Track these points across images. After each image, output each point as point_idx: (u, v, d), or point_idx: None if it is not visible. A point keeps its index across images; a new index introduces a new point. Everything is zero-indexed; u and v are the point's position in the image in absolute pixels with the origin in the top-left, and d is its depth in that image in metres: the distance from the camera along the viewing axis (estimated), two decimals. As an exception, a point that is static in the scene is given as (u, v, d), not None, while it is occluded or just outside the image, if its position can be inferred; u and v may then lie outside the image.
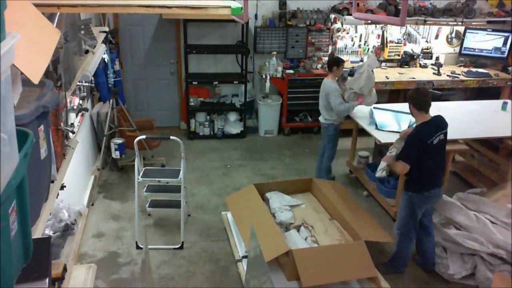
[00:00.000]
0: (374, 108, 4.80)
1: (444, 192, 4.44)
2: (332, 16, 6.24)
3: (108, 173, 5.19)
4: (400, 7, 5.36)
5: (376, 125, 4.47)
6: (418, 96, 3.32)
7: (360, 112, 4.77)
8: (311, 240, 3.67)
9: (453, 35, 6.79)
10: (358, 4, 5.23)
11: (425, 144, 3.24)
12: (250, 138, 6.44)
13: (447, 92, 6.33)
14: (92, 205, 4.52)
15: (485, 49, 6.49)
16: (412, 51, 6.69)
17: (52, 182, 2.01)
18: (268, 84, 6.12)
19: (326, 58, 6.45)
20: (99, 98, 5.39)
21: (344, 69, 6.03)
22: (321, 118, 4.80)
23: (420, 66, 6.69)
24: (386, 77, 6.18)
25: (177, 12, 1.93)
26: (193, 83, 6.12)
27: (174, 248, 3.90)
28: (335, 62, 4.55)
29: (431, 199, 3.45)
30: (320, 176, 4.90)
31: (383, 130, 4.39)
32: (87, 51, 3.51)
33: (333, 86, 4.50)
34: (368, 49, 6.60)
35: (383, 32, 6.52)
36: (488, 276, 3.36)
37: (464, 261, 3.52)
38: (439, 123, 3.37)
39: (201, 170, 5.40)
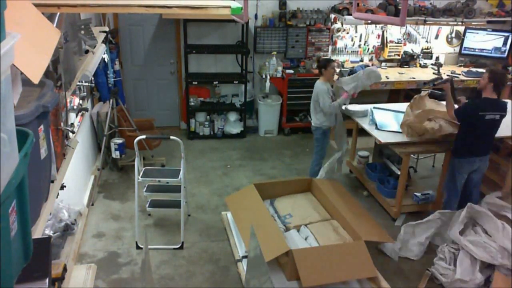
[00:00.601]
0: (374, 108, 4.80)
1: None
2: (332, 16, 6.24)
3: (108, 173, 5.19)
4: (400, 7, 5.36)
5: (376, 125, 4.47)
6: (500, 77, 3.69)
7: (360, 112, 4.78)
8: (311, 240, 3.67)
9: (453, 35, 6.79)
10: (358, 4, 5.22)
11: (476, 116, 3.69)
12: (250, 138, 6.44)
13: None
14: (92, 205, 4.52)
15: (485, 49, 6.49)
16: (412, 51, 6.69)
17: (52, 182, 2.01)
18: (268, 84, 6.12)
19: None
20: (99, 98, 5.39)
21: (344, 69, 6.06)
22: (311, 121, 4.81)
23: (420, 66, 6.69)
24: (386, 77, 6.17)
25: (177, 12, 1.93)
26: (193, 83, 6.12)
27: (174, 248, 3.90)
28: (322, 64, 4.58)
29: (470, 165, 3.92)
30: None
31: (383, 130, 4.39)
32: (87, 51, 3.51)
33: (322, 88, 4.48)
34: (368, 49, 6.61)
35: (383, 32, 6.52)
36: None
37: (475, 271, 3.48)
38: (502, 105, 3.76)
39: (201, 170, 5.40)
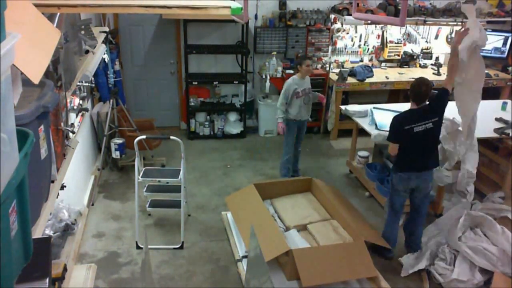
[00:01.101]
0: (374, 108, 4.80)
1: (444, 192, 4.47)
2: (332, 16, 6.24)
3: (108, 173, 5.19)
4: (400, 7, 5.36)
5: (376, 125, 4.47)
6: (413, 86, 3.46)
7: (360, 112, 4.78)
8: (311, 239, 3.67)
9: (453, 35, 6.78)
10: (358, 4, 5.22)
11: (403, 130, 3.41)
12: (250, 138, 6.44)
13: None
14: (93, 205, 4.52)
15: (485, 49, 6.47)
16: (412, 51, 6.69)
17: (52, 182, 2.01)
18: (268, 84, 6.12)
19: (326, 58, 6.47)
20: (99, 98, 5.39)
21: (344, 69, 6.06)
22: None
23: (420, 66, 6.70)
24: (386, 77, 6.18)
25: (177, 12, 1.93)
26: (193, 83, 6.12)
27: (174, 248, 3.90)
28: (298, 62, 4.82)
29: (406, 182, 3.57)
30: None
31: (383, 130, 4.39)
32: (87, 51, 3.51)
33: (287, 82, 4.74)
34: (368, 49, 6.61)
35: (383, 32, 6.53)
36: None
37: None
38: (427, 112, 3.43)
39: (201, 170, 5.40)
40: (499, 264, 3.32)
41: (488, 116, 4.88)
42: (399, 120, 3.47)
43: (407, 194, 3.68)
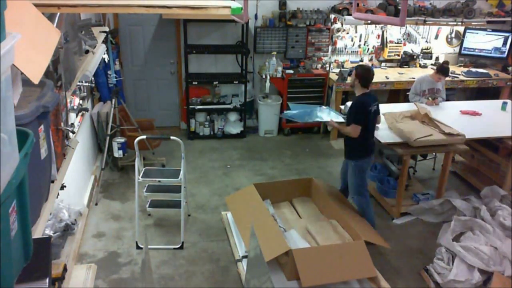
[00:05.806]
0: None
1: (444, 192, 4.47)
2: (332, 16, 6.24)
3: (109, 173, 5.19)
4: (400, 7, 5.36)
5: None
6: (366, 74, 3.76)
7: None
8: (311, 239, 3.67)
9: (453, 35, 6.79)
10: (358, 4, 5.23)
11: (367, 111, 3.74)
12: (250, 138, 6.44)
13: (447, 92, 6.31)
14: (96, 204, 4.52)
15: (485, 49, 6.49)
16: (412, 51, 6.69)
17: (52, 182, 2.01)
18: (268, 84, 6.12)
19: (326, 58, 6.47)
20: (99, 98, 5.38)
21: (344, 69, 6.06)
22: None
23: (420, 66, 6.70)
24: (386, 77, 6.18)
25: (177, 12, 1.93)
26: (193, 83, 6.12)
27: (174, 248, 3.90)
28: (439, 68, 5.11)
29: (370, 163, 4.02)
30: None
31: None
32: (87, 51, 3.51)
33: (417, 78, 5.27)
34: (368, 49, 6.61)
35: (383, 32, 6.53)
36: None
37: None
38: (374, 96, 3.98)
39: (201, 170, 5.40)
40: (491, 264, 3.32)
41: (488, 116, 4.89)
42: (364, 103, 3.76)
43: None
